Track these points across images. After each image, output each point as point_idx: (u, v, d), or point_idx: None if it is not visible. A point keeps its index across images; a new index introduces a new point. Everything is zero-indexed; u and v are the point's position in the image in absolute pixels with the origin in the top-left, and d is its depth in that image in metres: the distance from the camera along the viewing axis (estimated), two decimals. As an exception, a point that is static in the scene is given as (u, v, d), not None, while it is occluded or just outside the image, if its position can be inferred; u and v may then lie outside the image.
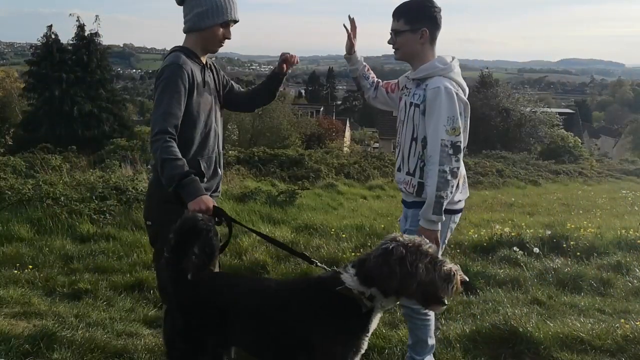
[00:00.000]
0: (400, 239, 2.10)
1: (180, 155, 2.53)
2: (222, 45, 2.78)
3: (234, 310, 2.26)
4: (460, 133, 2.65)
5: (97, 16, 32.46)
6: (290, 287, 2.33)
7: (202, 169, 2.72)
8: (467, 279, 2.10)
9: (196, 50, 2.73)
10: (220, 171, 2.90)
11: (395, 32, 2.81)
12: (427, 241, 2.12)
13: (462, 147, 2.67)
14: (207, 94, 2.75)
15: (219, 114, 2.89)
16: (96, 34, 31.99)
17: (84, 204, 6.71)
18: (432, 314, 2.98)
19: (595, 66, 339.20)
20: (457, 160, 2.65)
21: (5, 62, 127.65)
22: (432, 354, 3.06)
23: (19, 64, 61.51)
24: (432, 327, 3.01)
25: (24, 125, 30.91)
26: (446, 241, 2.89)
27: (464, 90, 2.79)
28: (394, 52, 2.88)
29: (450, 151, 2.62)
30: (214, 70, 2.89)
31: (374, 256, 2.09)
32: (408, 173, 2.85)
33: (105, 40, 33.54)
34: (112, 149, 17.29)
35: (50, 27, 31.64)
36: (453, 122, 2.63)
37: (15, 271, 4.80)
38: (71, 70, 30.64)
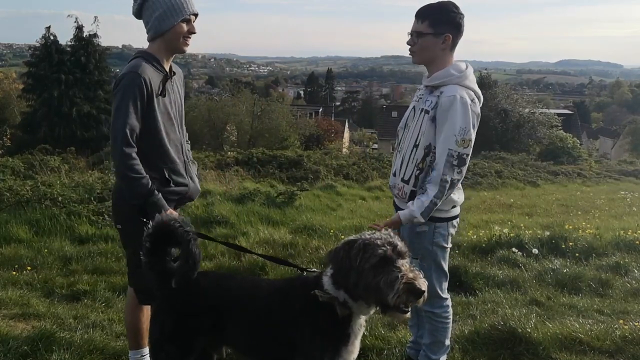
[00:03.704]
0: (364, 236, 2.05)
1: (144, 172, 2.55)
2: (188, 43, 2.74)
3: (225, 310, 2.26)
4: (469, 145, 2.63)
5: (95, 17, 32.43)
6: (278, 287, 2.32)
7: (167, 176, 2.72)
8: (423, 289, 1.92)
9: (160, 55, 2.71)
10: (188, 180, 2.85)
11: (417, 34, 2.73)
12: (394, 242, 2.01)
13: (467, 160, 2.65)
14: (166, 103, 2.72)
15: (182, 123, 2.88)
16: (95, 35, 31.96)
17: (82, 205, 6.71)
18: (451, 317, 2.99)
19: (593, 67, 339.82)
20: (460, 173, 2.65)
21: (4, 63, 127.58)
22: (445, 355, 3.07)
23: (18, 65, 61.41)
24: (450, 329, 3.03)
25: (22, 127, 30.85)
26: (448, 245, 2.89)
27: (479, 98, 2.75)
28: (412, 54, 2.80)
29: (455, 162, 2.62)
30: (178, 78, 2.86)
31: (331, 251, 2.10)
32: (403, 180, 2.83)
33: (104, 41, 33.45)
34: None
35: (48, 28, 31.61)
36: (464, 133, 2.61)
37: (14, 272, 4.79)
38: (70, 72, 30.60)
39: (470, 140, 2.63)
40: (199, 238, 2.44)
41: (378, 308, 2.03)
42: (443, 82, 2.70)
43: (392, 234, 2.08)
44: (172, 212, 2.54)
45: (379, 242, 1.99)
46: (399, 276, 1.92)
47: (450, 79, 2.68)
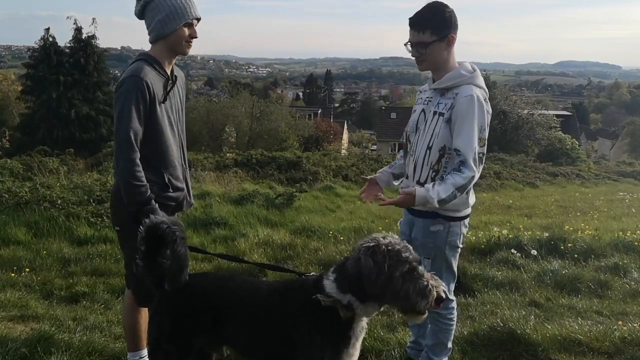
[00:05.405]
0: (382, 240, 2.03)
1: (144, 180, 2.56)
2: (190, 46, 2.74)
3: (225, 310, 2.26)
4: (485, 144, 2.67)
5: (94, 19, 32.54)
6: (278, 288, 2.32)
7: (167, 181, 2.72)
8: (444, 296, 2.00)
9: (162, 58, 2.71)
10: (183, 185, 2.86)
11: (421, 44, 2.70)
12: (409, 247, 2.03)
13: (483, 159, 2.70)
14: (167, 107, 2.72)
15: (182, 127, 2.88)
16: (93, 37, 32.05)
17: (81, 207, 6.70)
18: (456, 319, 2.99)
19: (592, 68, 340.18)
20: (479, 172, 2.67)
21: (2, 65, 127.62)
22: (447, 357, 3.07)
23: (17, 67, 61.48)
24: (453, 331, 3.03)
25: (21, 128, 30.88)
26: (461, 245, 2.89)
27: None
28: (418, 63, 2.79)
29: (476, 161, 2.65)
30: (179, 82, 2.86)
31: (353, 258, 2.06)
32: (418, 182, 2.81)
33: (103, 42, 33.60)
34: (110, 151, 17.29)
35: (47, 29, 31.68)
36: (481, 132, 2.64)
37: (13, 274, 4.78)
38: (69, 73, 30.63)
39: (485, 139, 2.67)
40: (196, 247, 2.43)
41: (397, 310, 2.08)
42: (456, 83, 2.70)
43: (398, 238, 2.08)
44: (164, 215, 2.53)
45: (397, 247, 2.00)
46: (429, 285, 1.96)
47: (463, 79, 2.69)
